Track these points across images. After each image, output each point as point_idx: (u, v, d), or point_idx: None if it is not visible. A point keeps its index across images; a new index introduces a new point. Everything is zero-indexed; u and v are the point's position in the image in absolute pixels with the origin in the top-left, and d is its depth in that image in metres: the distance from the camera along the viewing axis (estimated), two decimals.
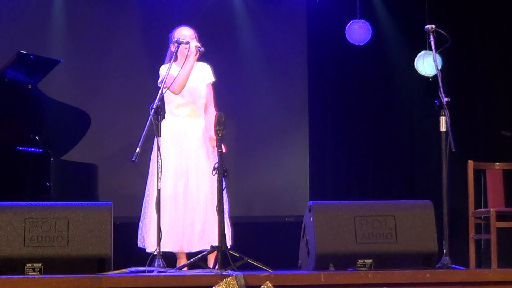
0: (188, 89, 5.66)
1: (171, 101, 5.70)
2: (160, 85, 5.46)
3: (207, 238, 5.50)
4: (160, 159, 4.94)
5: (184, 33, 5.70)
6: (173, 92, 5.60)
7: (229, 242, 5.61)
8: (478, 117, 8.21)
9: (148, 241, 5.55)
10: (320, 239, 4.65)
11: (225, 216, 5.64)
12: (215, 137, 5.03)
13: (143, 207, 5.66)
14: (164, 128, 5.62)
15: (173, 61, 5.44)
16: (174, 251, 5.59)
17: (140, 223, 5.64)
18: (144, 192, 5.68)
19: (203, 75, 5.78)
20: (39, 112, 6.63)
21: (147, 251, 5.54)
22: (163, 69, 5.60)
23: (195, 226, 5.55)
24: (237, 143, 8.02)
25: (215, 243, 5.00)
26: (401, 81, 8.41)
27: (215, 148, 5.35)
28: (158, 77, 5.65)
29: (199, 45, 5.62)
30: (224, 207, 5.64)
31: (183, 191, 5.58)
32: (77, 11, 8.15)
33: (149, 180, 5.66)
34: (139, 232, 5.62)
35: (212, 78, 5.82)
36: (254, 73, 8.30)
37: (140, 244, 5.61)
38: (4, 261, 4.38)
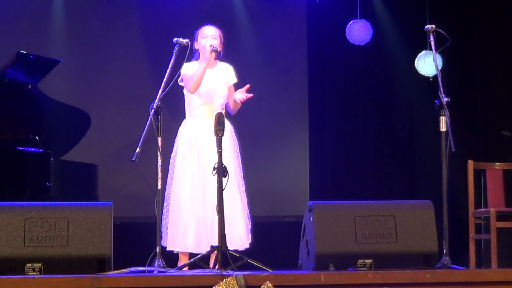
0: (206, 89, 5.64)
1: (190, 101, 5.70)
2: (180, 83, 5.56)
3: (232, 238, 5.37)
4: (161, 159, 4.95)
5: (207, 32, 5.69)
6: (188, 91, 5.62)
7: (248, 241, 5.60)
8: (478, 117, 8.21)
9: (176, 240, 5.50)
10: (320, 239, 4.65)
11: (245, 214, 5.63)
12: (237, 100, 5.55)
13: (164, 206, 5.57)
14: (183, 129, 5.64)
15: (187, 60, 5.45)
16: (197, 252, 5.44)
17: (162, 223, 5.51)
18: (164, 193, 5.57)
19: (225, 77, 5.77)
20: (39, 112, 6.63)
21: (175, 251, 5.55)
22: (183, 67, 5.55)
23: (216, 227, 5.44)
24: (237, 143, 7.99)
25: (240, 243, 4.95)
26: (401, 81, 8.40)
27: (233, 136, 5.69)
28: (179, 75, 5.57)
29: (213, 44, 5.61)
30: (244, 206, 5.63)
31: (202, 194, 5.53)
32: (77, 11, 8.14)
33: (168, 180, 5.60)
34: (164, 233, 5.50)
35: (234, 80, 5.81)
36: (254, 73, 8.28)
37: (165, 244, 5.51)
38: (4, 261, 4.39)
